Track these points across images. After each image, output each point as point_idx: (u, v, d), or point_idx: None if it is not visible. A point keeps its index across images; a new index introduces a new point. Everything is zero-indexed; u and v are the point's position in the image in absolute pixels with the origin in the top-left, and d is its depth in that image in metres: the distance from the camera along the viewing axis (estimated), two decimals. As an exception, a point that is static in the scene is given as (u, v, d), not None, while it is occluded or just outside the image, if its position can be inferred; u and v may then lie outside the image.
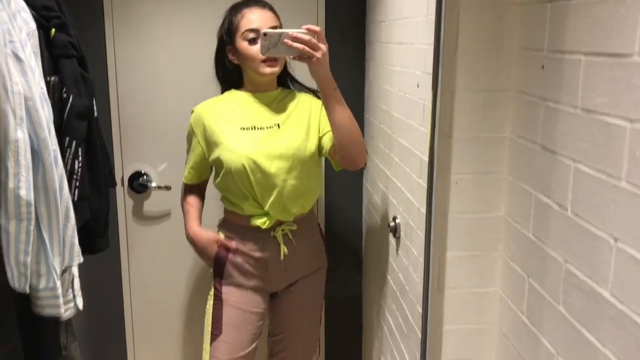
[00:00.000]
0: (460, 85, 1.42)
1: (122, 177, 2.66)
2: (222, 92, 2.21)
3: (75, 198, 1.81)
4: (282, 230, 2.09)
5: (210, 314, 2.14)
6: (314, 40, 1.78)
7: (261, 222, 2.06)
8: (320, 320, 2.35)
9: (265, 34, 1.82)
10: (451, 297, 1.49)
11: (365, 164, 2.13)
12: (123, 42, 2.58)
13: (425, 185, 1.70)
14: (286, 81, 2.18)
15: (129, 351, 2.85)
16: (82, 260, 1.72)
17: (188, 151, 2.19)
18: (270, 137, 2.04)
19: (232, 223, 2.16)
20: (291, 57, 1.84)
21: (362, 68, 2.68)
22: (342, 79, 2.63)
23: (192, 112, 2.15)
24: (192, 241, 2.18)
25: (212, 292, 2.18)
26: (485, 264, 1.46)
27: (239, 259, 2.12)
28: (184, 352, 2.88)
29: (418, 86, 1.78)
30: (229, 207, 2.15)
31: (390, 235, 2.14)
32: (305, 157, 2.04)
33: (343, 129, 1.92)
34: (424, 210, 1.74)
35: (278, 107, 2.11)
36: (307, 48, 1.77)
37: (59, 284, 1.61)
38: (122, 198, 2.68)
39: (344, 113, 1.91)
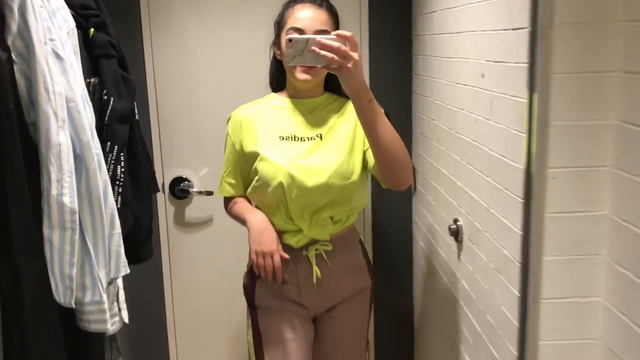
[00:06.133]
0: (556, 69, 1.27)
1: (163, 183, 2.59)
2: (273, 91, 2.03)
3: (118, 205, 1.72)
4: (316, 250, 1.89)
5: (253, 347, 1.96)
6: (344, 48, 1.54)
7: (294, 240, 1.87)
8: (367, 348, 2.12)
9: (290, 40, 1.61)
10: (548, 308, 1.34)
11: (415, 187, 1.93)
12: (160, 44, 2.51)
13: (494, 182, 1.57)
14: (335, 86, 1.91)
15: (172, 363, 2.79)
16: (128, 271, 1.63)
17: (226, 161, 1.99)
18: (312, 150, 1.85)
19: None
20: (319, 66, 1.61)
21: (409, 63, 2.56)
22: (388, 76, 2.54)
23: (229, 118, 1.98)
24: (259, 228, 1.87)
25: (249, 322, 1.99)
26: (586, 270, 1.31)
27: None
28: (229, 364, 2.80)
29: (483, 76, 1.65)
30: None
31: (452, 239, 2.00)
32: (348, 175, 1.83)
33: (382, 146, 1.68)
34: (493, 210, 1.60)
35: (321, 115, 1.90)
36: (336, 57, 1.54)
37: (105, 297, 1.53)
38: (163, 204, 2.61)
39: (383, 128, 1.66)
